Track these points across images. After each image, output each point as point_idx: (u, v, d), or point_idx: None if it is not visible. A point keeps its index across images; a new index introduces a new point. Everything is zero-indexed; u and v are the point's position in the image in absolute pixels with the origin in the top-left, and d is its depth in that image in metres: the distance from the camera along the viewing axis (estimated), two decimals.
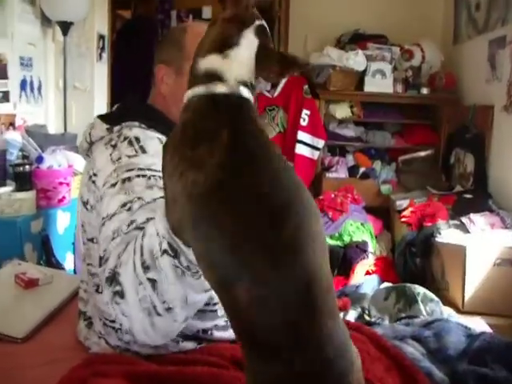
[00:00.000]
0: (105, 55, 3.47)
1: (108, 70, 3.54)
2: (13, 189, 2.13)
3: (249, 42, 0.70)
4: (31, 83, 3.00)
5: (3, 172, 2.14)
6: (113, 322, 1.02)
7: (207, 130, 0.67)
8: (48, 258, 2.19)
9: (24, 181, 2.16)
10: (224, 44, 0.70)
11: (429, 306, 1.25)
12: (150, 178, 0.95)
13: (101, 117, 1.12)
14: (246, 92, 0.69)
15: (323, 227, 0.70)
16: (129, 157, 0.99)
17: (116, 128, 1.06)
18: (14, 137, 2.46)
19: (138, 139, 1.02)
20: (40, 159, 2.27)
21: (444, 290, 2.42)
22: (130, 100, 1.20)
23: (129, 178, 0.94)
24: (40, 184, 2.23)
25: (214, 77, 0.69)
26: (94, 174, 1.02)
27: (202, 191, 0.64)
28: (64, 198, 2.31)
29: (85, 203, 1.06)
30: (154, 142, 1.04)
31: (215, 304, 1.04)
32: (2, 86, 2.70)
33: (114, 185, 0.94)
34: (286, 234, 0.62)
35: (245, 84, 0.69)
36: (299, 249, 0.63)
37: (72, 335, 1.18)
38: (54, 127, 3.20)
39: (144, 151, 1.01)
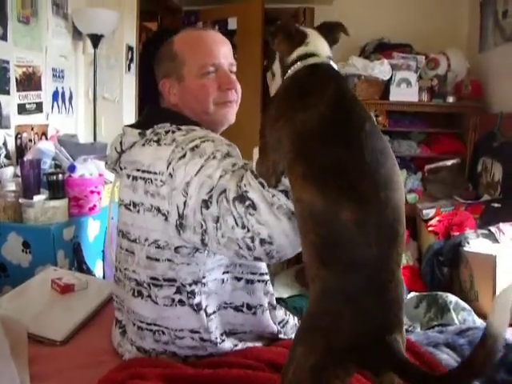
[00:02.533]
0: (133, 66, 3.54)
1: (136, 80, 3.61)
2: (46, 197, 2.18)
3: (314, 34, 0.89)
4: (63, 94, 3.08)
5: (38, 181, 2.19)
6: (149, 324, 1.04)
7: (314, 84, 0.81)
8: (79, 264, 2.23)
9: (57, 189, 2.20)
10: (299, 41, 0.87)
11: (461, 314, 1.24)
12: (213, 141, 1.00)
13: (129, 126, 1.16)
14: (334, 64, 0.86)
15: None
16: (184, 135, 1.03)
17: (149, 131, 1.10)
18: (48, 146, 2.52)
19: (179, 128, 1.07)
20: (72, 168, 2.32)
21: (473, 300, 2.38)
22: (152, 108, 1.25)
23: (196, 146, 0.98)
24: (72, 192, 2.28)
25: (308, 55, 0.85)
26: (143, 171, 1.03)
27: (314, 125, 0.76)
28: (95, 206, 2.36)
29: (127, 205, 1.07)
30: (194, 127, 1.09)
31: (262, 274, 1.09)
32: (36, 97, 2.78)
33: (182, 157, 0.97)
34: (385, 172, 0.73)
35: (331, 58, 0.87)
36: (394, 186, 0.74)
37: (107, 340, 1.21)
38: (83, 137, 3.27)
39: (193, 130, 1.06)
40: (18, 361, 1.04)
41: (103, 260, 2.45)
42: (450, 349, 1.04)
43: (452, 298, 1.27)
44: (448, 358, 0.99)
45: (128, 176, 1.08)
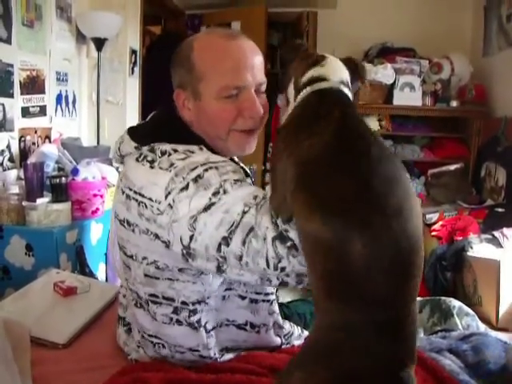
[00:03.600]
0: (137, 70, 3.55)
1: (139, 84, 3.62)
2: (49, 200, 2.18)
3: (332, 58, 0.86)
4: (66, 97, 3.09)
5: (41, 184, 2.20)
6: (150, 336, 1.03)
7: (320, 112, 0.78)
8: (82, 267, 2.24)
9: (60, 192, 2.21)
10: (315, 62, 0.85)
11: (465, 319, 1.23)
12: (217, 168, 0.91)
13: (130, 131, 1.06)
14: (345, 89, 0.82)
15: (421, 209, 0.76)
16: (182, 159, 0.93)
17: (145, 148, 1.00)
18: (51, 149, 2.53)
19: (176, 150, 0.97)
20: (75, 171, 2.32)
21: (476, 305, 2.38)
22: (159, 116, 1.11)
23: (199, 176, 0.89)
24: (75, 195, 2.28)
25: (318, 79, 0.83)
26: (135, 192, 0.95)
27: (318, 153, 0.73)
28: (98, 209, 2.36)
29: (122, 221, 0.99)
30: (193, 147, 0.99)
31: (267, 294, 1.05)
32: (40, 100, 2.79)
33: (184, 188, 0.88)
34: (397, 200, 0.69)
35: (343, 83, 0.83)
36: (409, 214, 0.69)
37: (110, 343, 1.21)
38: (87, 140, 3.28)
39: (192, 152, 0.96)
40: (21, 364, 1.04)
41: (106, 263, 2.45)
42: (453, 354, 1.03)
43: (456, 303, 1.26)
44: (451, 364, 0.99)
45: (122, 192, 0.99)
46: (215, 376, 0.94)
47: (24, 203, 2.15)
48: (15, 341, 1.07)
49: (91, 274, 2.24)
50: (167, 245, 0.91)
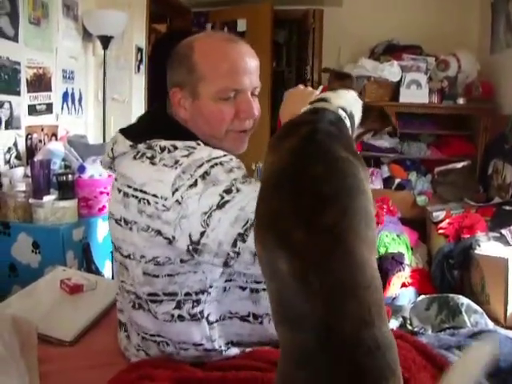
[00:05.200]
0: (142, 67, 3.55)
1: (145, 81, 3.62)
2: (56, 197, 2.19)
3: (347, 91, 0.90)
4: (72, 95, 3.10)
5: (47, 181, 2.21)
6: (153, 335, 1.02)
7: (295, 127, 0.78)
8: (88, 265, 2.24)
9: (67, 190, 2.22)
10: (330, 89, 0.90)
11: (473, 317, 1.23)
12: (222, 163, 0.93)
13: (123, 131, 1.07)
14: (343, 115, 0.81)
15: (374, 231, 0.71)
16: (186, 156, 0.94)
17: (140, 145, 1.01)
18: (57, 147, 2.54)
19: (175, 146, 0.97)
20: (82, 169, 2.33)
21: (484, 303, 2.36)
22: (152, 114, 1.15)
23: (206, 172, 0.90)
24: (82, 193, 2.29)
25: (321, 100, 0.84)
26: (135, 189, 0.95)
27: (272, 171, 0.73)
28: (104, 207, 2.36)
29: (118, 220, 0.99)
30: (192, 143, 1.00)
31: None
32: (46, 98, 2.79)
33: (193, 185, 0.89)
34: (327, 221, 0.65)
35: (344, 110, 0.82)
36: (338, 238, 0.64)
37: (116, 340, 1.20)
38: (93, 138, 3.28)
39: (193, 148, 0.97)
40: (28, 360, 1.04)
41: (112, 261, 2.46)
42: (462, 352, 1.03)
43: (464, 300, 1.26)
44: None
45: (119, 190, 0.99)
46: (221, 374, 0.93)
47: (31, 200, 2.16)
48: (23, 338, 1.08)
49: (97, 272, 2.24)
50: (170, 241, 0.92)
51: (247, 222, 0.85)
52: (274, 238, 0.66)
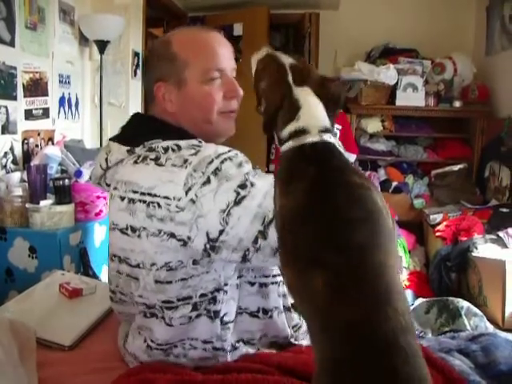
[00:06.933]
0: (139, 72, 3.54)
1: (142, 86, 3.61)
2: (53, 202, 2.18)
3: (306, 106, 0.80)
4: (69, 100, 3.09)
5: (44, 186, 2.19)
6: (160, 345, 1.00)
7: (299, 169, 0.76)
8: (85, 270, 2.23)
9: (63, 194, 2.20)
10: (290, 117, 0.79)
11: (473, 320, 1.23)
12: (230, 158, 0.93)
13: (115, 140, 1.06)
14: (328, 137, 0.78)
15: (396, 244, 0.75)
16: (194, 154, 0.93)
17: (138, 148, 1.00)
18: (54, 152, 2.53)
19: (179, 145, 0.97)
20: (79, 173, 2.32)
21: (482, 305, 2.36)
22: (141, 116, 1.15)
23: (217, 169, 0.90)
24: (79, 197, 2.28)
25: (301, 132, 0.78)
26: (142, 194, 0.93)
27: (289, 210, 0.73)
28: (101, 211, 2.36)
29: (123, 230, 0.97)
30: (193, 141, 1.00)
31: (275, 276, 1.05)
32: (43, 102, 2.79)
33: (206, 182, 0.89)
34: (357, 240, 0.68)
35: (326, 130, 0.78)
36: (370, 252, 0.68)
37: (116, 345, 1.19)
38: (90, 142, 3.28)
39: (199, 146, 0.97)
40: (27, 365, 1.03)
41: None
42: (462, 355, 1.02)
43: (463, 304, 1.25)
44: (461, 364, 0.98)
45: (122, 198, 0.97)
46: (222, 376, 0.93)
47: (27, 205, 2.15)
48: (21, 342, 1.07)
49: (95, 276, 2.23)
50: (185, 242, 0.91)
51: (265, 218, 0.87)
52: (307, 261, 0.69)
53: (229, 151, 0.96)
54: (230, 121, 1.13)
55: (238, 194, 0.88)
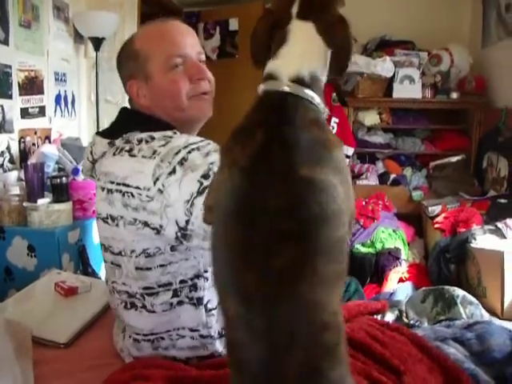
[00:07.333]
0: None
1: None
2: (50, 200, 2.18)
3: (298, 38, 0.64)
4: (65, 98, 3.09)
5: (41, 184, 2.19)
6: (146, 335, 1.02)
7: (244, 132, 0.63)
8: (84, 267, 2.23)
9: (61, 192, 2.20)
10: (277, 46, 0.65)
11: (468, 308, 1.23)
12: (198, 148, 0.94)
13: (99, 133, 1.10)
14: (301, 90, 0.62)
15: (343, 261, 0.61)
16: (164, 145, 0.95)
17: (117, 140, 1.04)
18: (51, 150, 2.53)
19: (152, 137, 0.99)
20: (76, 171, 2.32)
21: (481, 296, 2.36)
22: (122, 113, 1.17)
23: (184, 159, 0.91)
24: (76, 195, 2.28)
25: (268, 77, 0.65)
26: (118, 184, 0.96)
27: (214, 197, 0.66)
28: None
29: (105, 219, 1.00)
30: (168, 133, 1.02)
31: None
32: (39, 101, 2.78)
33: (172, 172, 0.90)
34: (280, 265, 0.56)
35: (301, 80, 0.63)
36: (289, 283, 0.57)
37: (111, 342, 1.20)
38: (87, 140, 3.27)
39: (170, 137, 0.99)
40: (23, 363, 1.03)
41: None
42: (457, 343, 1.03)
43: (459, 292, 1.26)
44: (456, 353, 0.98)
45: (102, 189, 1.00)
46: (215, 372, 0.93)
47: (25, 204, 2.15)
48: (17, 341, 1.07)
49: (94, 274, 2.23)
50: (158, 231, 0.93)
51: None
52: (229, 274, 0.60)
53: (200, 141, 0.97)
54: (203, 102, 1.12)
55: (201, 184, 0.88)
